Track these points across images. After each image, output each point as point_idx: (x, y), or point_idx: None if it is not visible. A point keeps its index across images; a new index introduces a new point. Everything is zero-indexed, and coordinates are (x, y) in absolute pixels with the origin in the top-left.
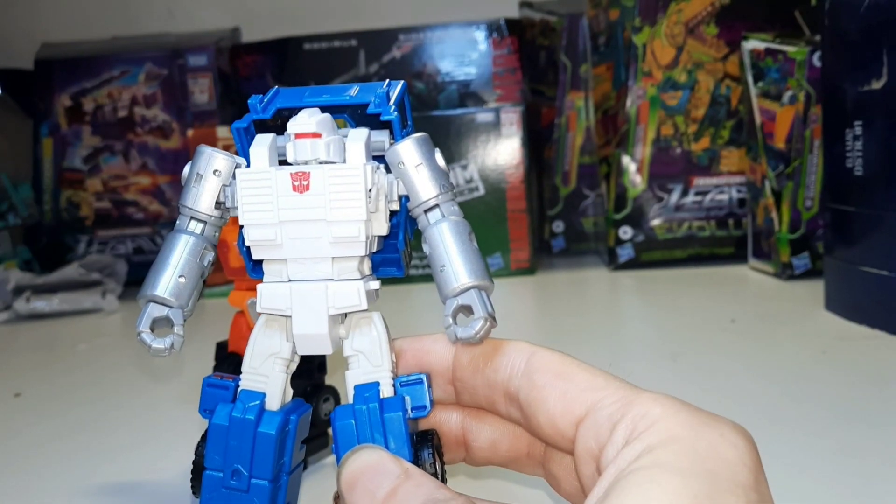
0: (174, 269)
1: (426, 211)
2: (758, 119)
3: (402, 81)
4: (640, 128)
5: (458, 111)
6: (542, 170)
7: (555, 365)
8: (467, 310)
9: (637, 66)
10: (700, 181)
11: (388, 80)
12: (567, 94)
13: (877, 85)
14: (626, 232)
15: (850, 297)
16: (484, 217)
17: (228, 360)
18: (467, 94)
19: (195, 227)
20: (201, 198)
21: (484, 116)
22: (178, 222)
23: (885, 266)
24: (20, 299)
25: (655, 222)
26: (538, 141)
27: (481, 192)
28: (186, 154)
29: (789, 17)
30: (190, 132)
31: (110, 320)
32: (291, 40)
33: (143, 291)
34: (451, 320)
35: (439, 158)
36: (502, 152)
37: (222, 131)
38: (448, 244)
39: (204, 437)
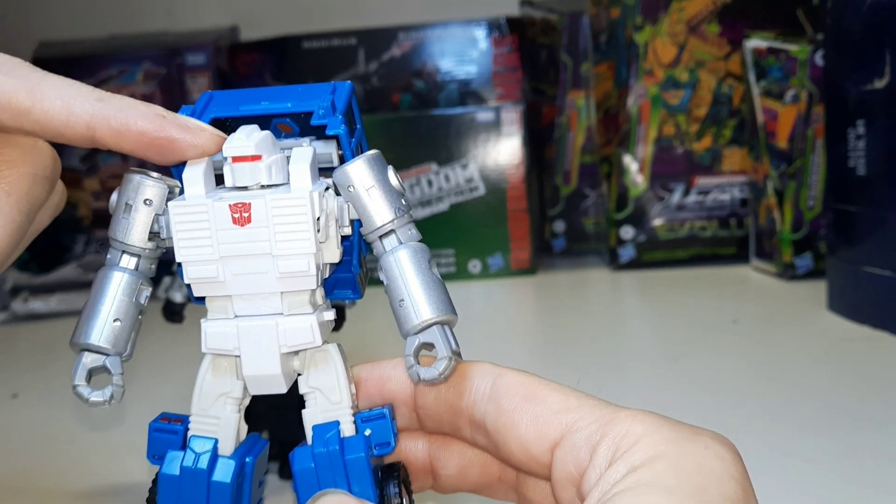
0: (108, 313)
1: (381, 237)
2: (760, 118)
3: (348, 83)
4: (641, 127)
5: (458, 110)
6: (543, 169)
7: (522, 387)
8: (430, 347)
9: (638, 64)
10: (702, 181)
11: (334, 85)
12: (568, 93)
13: (879, 84)
14: (627, 232)
15: (853, 297)
16: (484, 217)
17: None
18: (467, 93)
19: (128, 261)
20: (132, 230)
21: (484, 115)
22: (108, 257)
23: (888, 266)
24: (18, 299)
25: (657, 222)
26: (539, 140)
27: (482, 191)
28: None
29: (791, 16)
30: None
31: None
32: (290, 39)
33: (76, 339)
34: (413, 360)
35: (393, 178)
36: (503, 151)
37: None
38: (407, 275)
39: (153, 484)
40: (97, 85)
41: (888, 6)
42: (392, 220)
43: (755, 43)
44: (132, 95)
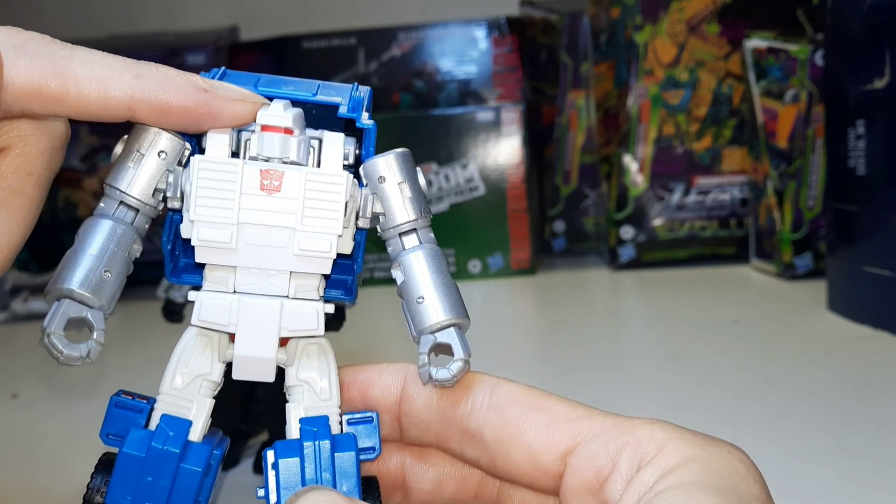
0: (99, 262)
1: (401, 234)
2: (760, 118)
3: (368, 88)
4: (641, 127)
5: (458, 110)
6: (543, 169)
7: (526, 397)
8: (444, 348)
9: (638, 64)
10: (702, 180)
11: (356, 84)
12: (568, 93)
13: (879, 84)
14: (627, 232)
15: (853, 297)
16: (484, 217)
17: None
18: (467, 93)
19: (124, 213)
20: (138, 180)
21: (484, 115)
22: (102, 205)
23: (887, 266)
24: (17, 299)
25: (657, 222)
26: (539, 140)
27: (482, 191)
28: None
29: (791, 16)
30: None
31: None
32: (290, 39)
33: (57, 284)
34: (426, 359)
35: (421, 178)
36: (503, 151)
37: None
38: (426, 275)
39: (100, 465)
40: None
41: (888, 6)
42: (416, 220)
43: (755, 43)
44: None
